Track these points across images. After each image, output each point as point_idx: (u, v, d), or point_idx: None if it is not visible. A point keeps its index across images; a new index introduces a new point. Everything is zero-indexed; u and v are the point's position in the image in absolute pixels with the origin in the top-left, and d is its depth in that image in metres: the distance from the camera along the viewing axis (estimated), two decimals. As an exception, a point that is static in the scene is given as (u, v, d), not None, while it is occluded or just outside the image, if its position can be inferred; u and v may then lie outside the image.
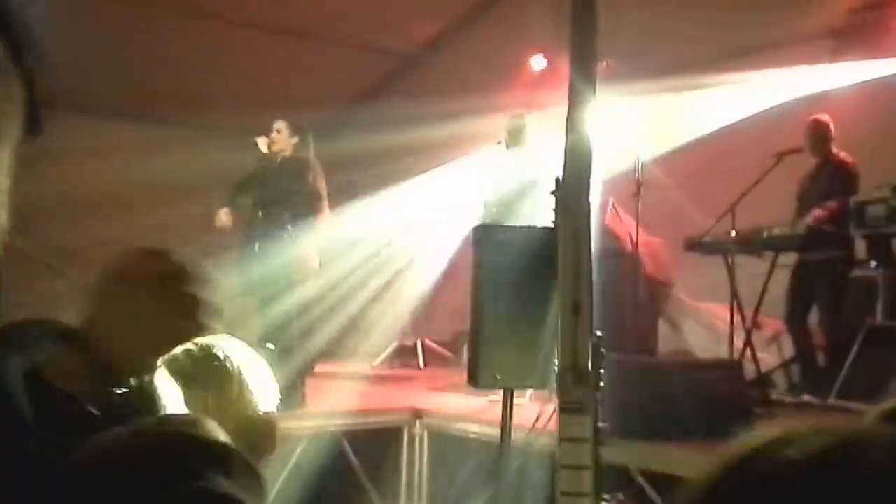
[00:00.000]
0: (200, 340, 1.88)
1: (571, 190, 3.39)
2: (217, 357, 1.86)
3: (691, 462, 4.63)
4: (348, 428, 6.15)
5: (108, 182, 10.68)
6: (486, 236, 4.12)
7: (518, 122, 7.34)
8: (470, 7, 10.93)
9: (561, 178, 3.41)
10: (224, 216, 7.38)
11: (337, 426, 6.09)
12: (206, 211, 8.06)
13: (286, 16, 10.11)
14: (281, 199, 7.16)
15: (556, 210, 3.41)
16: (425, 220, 9.54)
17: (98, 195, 9.90)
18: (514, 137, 7.24)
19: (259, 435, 1.88)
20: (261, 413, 1.88)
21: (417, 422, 6.40)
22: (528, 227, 5.33)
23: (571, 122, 3.39)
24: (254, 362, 1.91)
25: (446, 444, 6.24)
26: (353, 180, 10.95)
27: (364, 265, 9.71)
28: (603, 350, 3.46)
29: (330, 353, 10.02)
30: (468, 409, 6.17)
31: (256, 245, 7.04)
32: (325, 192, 7.85)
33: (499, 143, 7.26)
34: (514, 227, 5.40)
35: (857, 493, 0.65)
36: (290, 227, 7.12)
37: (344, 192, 10.74)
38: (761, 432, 0.74)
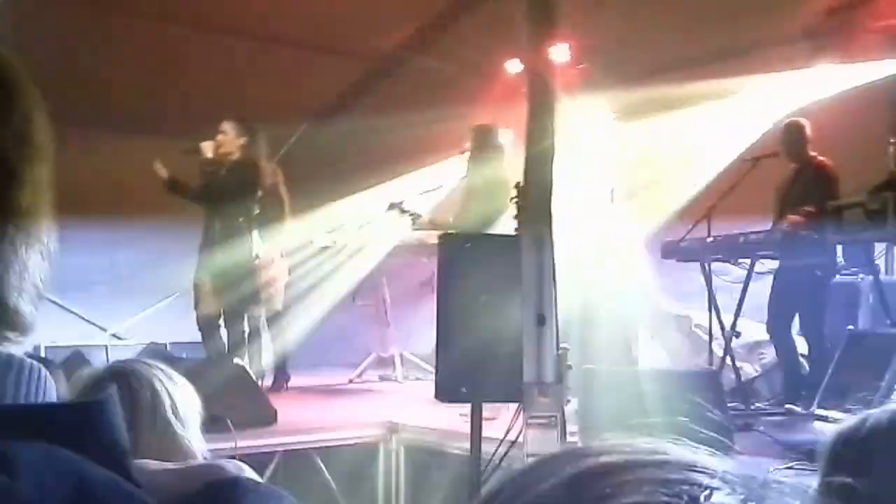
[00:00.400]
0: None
1: (533, 198, 3.29)
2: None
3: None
4: (322, 444, 6.01)
5: (73, 186, 10.55)
6: (450, 246, 4.00)
7: (485, 133, 7.19)
8: (444, 11, 10.87)
9: (522, 186, 3.30)
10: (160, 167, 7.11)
11: (310, 443, 5.95)
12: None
13: (255, 21, 10.00)
14: (235, 205, 6.99)
15: (518, 219, 3.31)
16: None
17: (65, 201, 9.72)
18: (481, 147, 7.09)
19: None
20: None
21: (394, 437, 6.27)
22: (493, 236, 5.22)
23: (532, 130, 3.29)
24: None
25: (424, 459, 6.12)
26: (326, 186, 10.89)
27: (336, 273, 9.63)
28: (570, 363, 3.35)
29: (305, 366, 9.96)
30: (446, 423, 6.03)
31: (217, 257, 6.89)
32: (284, 194, 7.72)
33: (462, 153, 7.13)
34: (479, 236, 5.29)
35: None
36: (248, 234, 6.95)
37: (317, 197, 10.68)
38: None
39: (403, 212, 6.84)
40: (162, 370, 1.86)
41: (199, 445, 1.88)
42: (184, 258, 10.15)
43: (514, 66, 9.80)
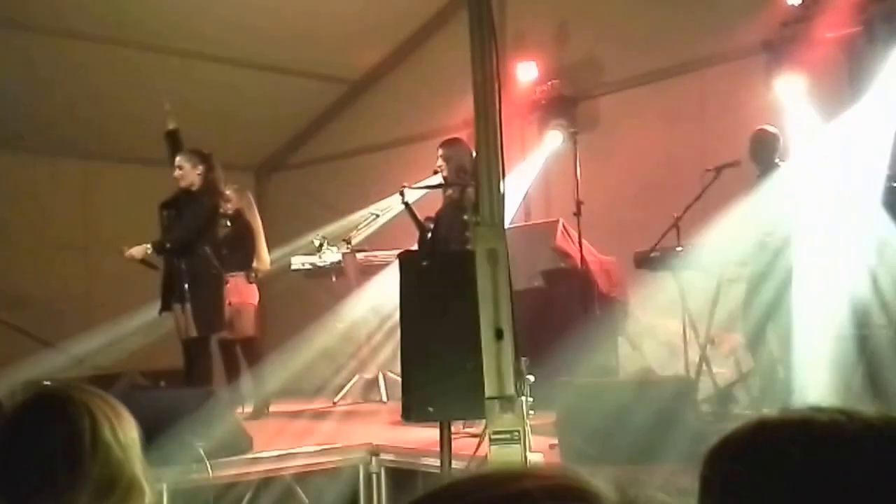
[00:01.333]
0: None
1: (486, 213, 3.30)
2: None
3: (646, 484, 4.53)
4: (300, 470, 5.97)
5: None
6: (407, 264, 4.01)
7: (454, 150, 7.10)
8: (415, 31, 10.94)
9: (475, 202, 3.32)
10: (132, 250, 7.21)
11: (287, 469, 5.91)
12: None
13: (227, 45, 10.04)
14: (178, 245, 7.01)
15: (471, 234, 3.32)
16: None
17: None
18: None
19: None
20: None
21: (374, 458, 6.24)
22: (450, 252, 5.23)
23: (482, 143, 3.30)
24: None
25: (405, 479, 6.09)
26: (305, 209, 10.92)
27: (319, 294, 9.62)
28: (531, 376, 3.35)
29: (288, 390, 9.92)
30: (427, 442, 6.00)
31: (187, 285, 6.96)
32: (252, 218, 7.98)
33: (436, 171, 7.05)
34: (436, 254, 5.30)
35: None
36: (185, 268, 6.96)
37: (299, 219, 10.68)
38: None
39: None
40: (98, 395, 1.83)
41: (142, 473, 1.84)
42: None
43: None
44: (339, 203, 10.76)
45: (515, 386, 3.25)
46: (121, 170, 11.42)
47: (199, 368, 7.12)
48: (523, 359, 3.32)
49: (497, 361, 3.22)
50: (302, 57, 10.61)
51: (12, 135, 9.96)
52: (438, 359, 3.77)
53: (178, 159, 7.12)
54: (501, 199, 3.30)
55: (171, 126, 7.44)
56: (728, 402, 6.63)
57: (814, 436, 0.92)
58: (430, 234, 6.79)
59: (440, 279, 3.85)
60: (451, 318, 3.73)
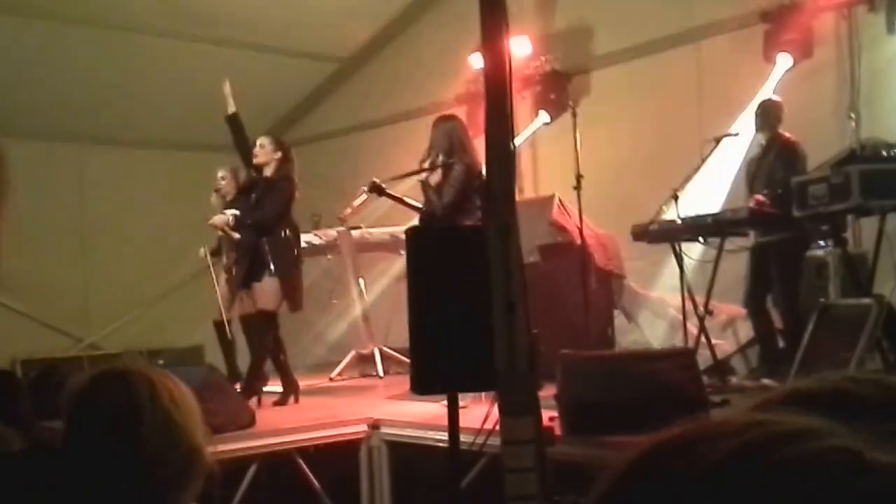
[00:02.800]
0: None
1: (496, 188, 3.30)
2: None
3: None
4: (302, 444, 6.00)
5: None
6: (416, 239, 4.02)
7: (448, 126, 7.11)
8: (406, 9, 10.91)
9: (486, 177, 3.32)
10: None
11: (290, 444, 5.95)
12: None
13: (216, 25, 10.00)
14: (260, 223, 7.22)
15: (482, 209, 3.33)
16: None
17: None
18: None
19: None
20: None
21: (375, 433, 6.28)
22: (460, 227, 5.24)
23: (492, 120, 3.30)
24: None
25: (406, 453, 6.13)
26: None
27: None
28: (542, 348, 3.37)
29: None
30: (427, 416, 6.03)
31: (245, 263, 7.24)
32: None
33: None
34: (446, 228, 5.31)
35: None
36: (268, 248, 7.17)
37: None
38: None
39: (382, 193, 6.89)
40: (159, 370, 1.90)
41: (202, 441, 1.91)
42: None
43: (477, 61, 9.82)
44: (334, 180, 10.75)
45: (527, 359, 3.26)
46: (116, 153, 11.41)
47: (264, 340, 7.28)
48: (535, 331, 3.33)
49: (509, 335, 3.23)
50: (291, 36, 10.58)
51: (7, 119, 9.92)
52: (447, 333, 3.78)
53: (261, 139, 7.31)
54: (512, 173, 3.31)
55: (230, 110, 7.52)
56: (727, 373, 6.67)
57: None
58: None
59: (450, 253, 3.86)
60: (460, 291, 3.74)
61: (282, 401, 7.21)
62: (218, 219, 7.41)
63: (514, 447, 3.17)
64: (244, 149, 7.41)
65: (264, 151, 7.24)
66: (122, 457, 1.73)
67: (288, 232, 7.29)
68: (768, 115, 6.83)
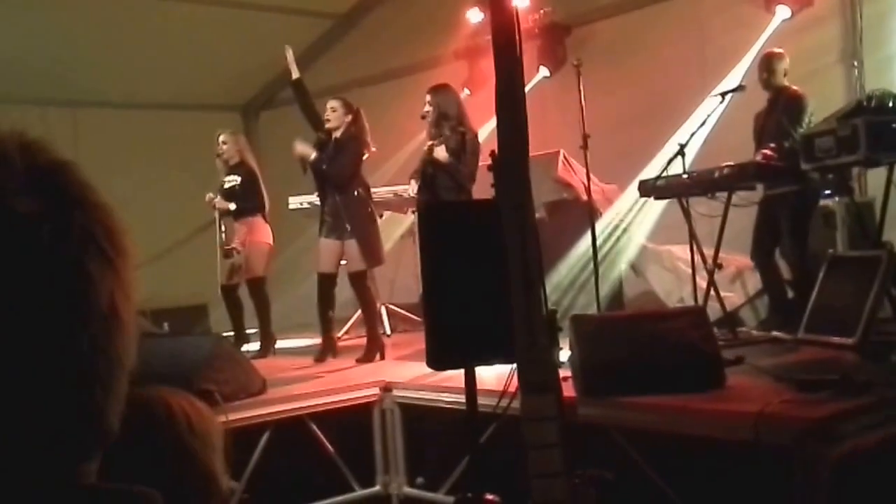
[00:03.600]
0: None
1: (510, 164, 3.26)
2: None
3: (666, 416, 4.59)
4: (315, 410, 6.01)
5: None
6: (430, 216, 4.00)
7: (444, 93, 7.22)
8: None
9: (498, 152, 3.28)
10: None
11: (303, 409, 5.95)
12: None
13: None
14: (336, 180, 7.37)
15: (495, 185, 3.29)
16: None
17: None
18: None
19: None
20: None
21: (387, 395, 6.29)
22: (473, 202, 5.21)
23: (502, 90, 3.25)
24: None
25: (419, 416, 6.15)
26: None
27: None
28: (560, 326, 3.36)
29: (291, 326, 9.95)
30: (438, 378, 6.02)
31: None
32: (255, 165, 8.45)
33: (423, 117, 7.16)
34: (458, 203, 5.29)
35: None
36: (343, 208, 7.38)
37: (291, 157, 10.60)
38: None
39: None
40: (178, 392, 1.84)
41: (220, 468, 1.86)
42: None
43: (475, 16, 9.70)
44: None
45: (546, 334, 3.25)
46: (111, 114, 11.32)
47: (366, 298, 7.57)
48: (553, 307, 3.31)
49: (527, 311, 3.21)
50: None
51: (2, 83, 9.83)
52: (462, 307, 3.77)
53: (332, 102, 7.51)
54: (526, 147, 3.27)
55: (294, 75, 7.78)
56: (736, 325, 6.67)
57: None
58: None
59: (463, 228, 3.83)
60: (474, 264, 3.72)
61: (366, 358, 7.41)
62: (301, 148, 7.52)
63: (536, 424, 3.16)
64: (310, 112, 7.63)
65: (336, 115, 7.42)
66: (137, 484, 1.70)
67: (360, 190, 7.47)
68: (771, 68, 6.76)
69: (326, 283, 7.56)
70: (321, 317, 7.66)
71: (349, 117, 7.44)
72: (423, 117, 7.18)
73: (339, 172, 7.35)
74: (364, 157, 7.52)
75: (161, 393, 1.73)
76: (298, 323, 10.30)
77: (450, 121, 7.04)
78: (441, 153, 6.86)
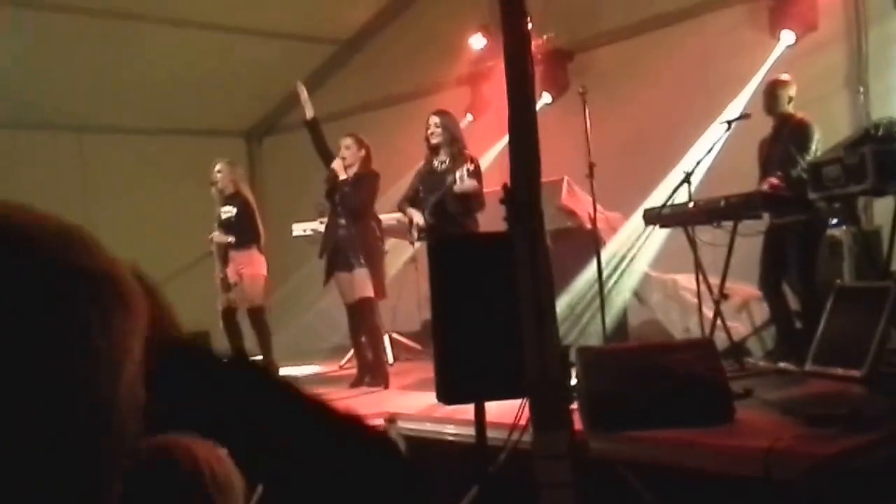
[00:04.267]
0: None
1: (522, 195, 3.24)
2: None
3: (674, 451, 4.53)
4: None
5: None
6: (441, 248, 3.97)
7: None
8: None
9: (510, 184, 3.25)
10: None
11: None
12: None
13: (215, 11, 9.90)
14: (354, 212, 7.50)
15: (508, 217, 3.26)
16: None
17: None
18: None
19: None
20: None
21: (391, 426, 6.22)
22: (484, 235, 5.19)
23: (516, 123, 3.23)
24: None
25: (424, 449, 6.07)
26: (300, 173, 10.81)
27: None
28: (572, 360, 3.32)
29: (293, 354, 9.91)
30: (443, 409, 5.95)
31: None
32: (251, 195, 8.56)
33: (427, 139, 7.23)
34: (470, 235, 5.27)
35: None
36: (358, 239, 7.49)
37: (294, 184, 10.59)
38: None
39: None
40: (201, 442, 1.81)
41: None
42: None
43: (478, 42, 9.71)
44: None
45: (558, 369, 3.22)
46: (117, 139, 11.33)
47: (372, 326, 7.64)
48: (566, 344, 3.27)
49: (539, 344, 3.18)
50: (290, 19, 10.46)
51: (8, 109, 9.84)
52: (473, 340, 3.73)
53: (346, 140, 7.60)
54: (538, 177, 3.24)
55: (309, 115, 7.86)
56: (743, 355, 6.62)
57: None
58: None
59: (474, 261, 3.81)
60: (486, 299, 3.69)
61: (374, 383, 7.51)
62: (337, 164, 7.60)
63: (548, 462, 3.12)
64: (324, 151, 7.71)
65: (351, 152, 7.54)
66: None
67: (374, 223, 7.67)
68: (776, 96, 6.73)
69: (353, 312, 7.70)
70: (356, 344, 7.85)
71: (363, 152, 7.56)
72: (428, 139, 7.21)
73: (361, 201, 7.50)
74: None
75: (185, 442, 1.70)
76: (304, 350, 10.28)
77: (458, 143, 7.19)
78: (467, 184, 6.90)
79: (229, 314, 8.37)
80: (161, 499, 1.63)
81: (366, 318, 7.59)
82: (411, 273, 9.35)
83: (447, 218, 7.02)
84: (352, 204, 7.48)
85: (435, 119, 7.25)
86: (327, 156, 7.65)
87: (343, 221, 7.54)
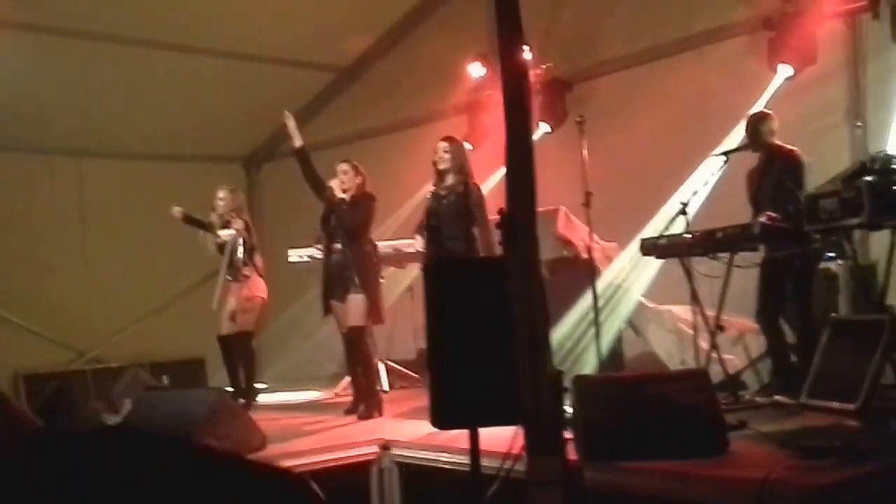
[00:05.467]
0: None
1: (518, 221, 3.24)
2: None
3: (668, 482, 4.53)
4: (313, 467, 5.93)
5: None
6: (436, 273, 3.98)
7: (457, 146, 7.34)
8: (403, 18, 10.86)
9: (506, 210, 3.26)
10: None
11: (300, 467, 5.86)
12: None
13: (214, 37, 9.95)
14: (350, 237, 7.50)
15: (503, 243, 3.27)
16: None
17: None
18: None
19: None
20: None
21: (385, 454, 6.21)
22: (479, 260, 5.19)
23: (513, 151, 3.24)
24: None
25: (418, 476, 6.06)
26: (298, 200, 10.83)
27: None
28: (566, 386, 3.31)
29: (288, 380, 9.90)
30: (437, 437, 5.94)
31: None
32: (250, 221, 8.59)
33: (435, 163, 7.25)
34: (465, 261, 5.28)
35: None
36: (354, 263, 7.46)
37: (292, 210, 10.60)
38: None
39: None
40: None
41: None
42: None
43: (476, 70, 9.76)
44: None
45: (552, 397, 3.21)
46: (116, 165, 11.37)
47: (365, 354, 7.62)
48: (559, 369, 3.27)
49: (533, 371, 3.17)
50: (289, 46, 10.53)
51: (9, 133, 9.88)
52: (469, 366, 3.73)
53: (343, 166, 7.61)
54: (534, 205, 3.25)
55: (297, 143, 7.83)
56: (738, 388, 6.62)
57: None
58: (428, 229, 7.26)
59: (469, 287, 3.81)
60: (480, 324, 3.69)
61: (366, 414, 7.45)
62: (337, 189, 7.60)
63: (541, 489, 3.11)
64: (313, 179, 7.68)
65: (348, 177, 7.54)
66: None
67: (370, 247, 7.64)
68: (757, 131, 6.75)
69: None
70: (352, 372, 7.86)
71: (359, 179, 7.57)
72: (435, 163, 7.24)
73: (358, 221, 7.50)
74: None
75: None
76: (302, 377, 10.29)
77: (464, 171, 7.23)
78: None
79: (227, 340, 8.37)
80: None
81: (357, 347, 7.56)
82: (407, 302, 9.36)
83: (441, 243, 7.11)
84: (349, 223, 7.48)
85: (444, 145, 7.28)
86: (318, 184, 7.65)
87: (339, 245, 7.53)
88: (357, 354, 7.61)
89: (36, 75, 9.40)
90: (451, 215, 7.11)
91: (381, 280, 8.10)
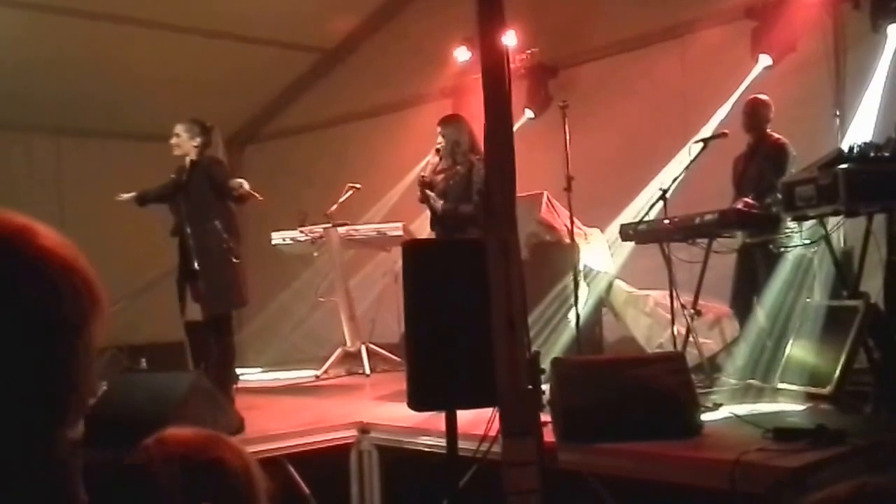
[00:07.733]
0: None
1: (498, 202, 3.29)
2: None
3: (644, 463, 4.59)
4: (292, 450, 5.95)
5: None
6: (414, 253, 4.01)
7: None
8: (390, 0, 10.85)
9: (485, 190, 3.30)
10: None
11: (280, 450, 5.89)
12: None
13: (196, 15, 9.91)
14: (204, 207, 6.86)
15: (483, 224, 3.31)
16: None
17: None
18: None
19: None
20: None
21: (365, 437, 6.23)
22: (458, 241, 5.22)
23: (492, 134, 3.28)
24: None
25: (397, 459, 6.09)
26: (282, 181, 10.84)
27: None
28: (543, 367, 3.37)
29: (271, 363, 9.90)
30: (417, 420, 5.97)
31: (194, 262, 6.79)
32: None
33: (437, 150, 7.18)
34: (444, 242, 5.31)
35: None
36: (225, 236, 6.82)
37: (276, 192, 10.58)
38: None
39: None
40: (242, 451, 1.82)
41: None
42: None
43: (462, 54, 9.78)
44: (317, 174, 10.70)
45: (529, 377, 3.26)
46: (93, 144, 11.30)
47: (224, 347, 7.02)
48: (535, 349, 3.32)
49: (509, 353, 3.22)
50: (273, 26, 10.49)
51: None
52: (445, 347, 3.77)
53: (176, 127, 7.04)
54: (513, 187, 3.29)
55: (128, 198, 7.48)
56: (714, 371, 6.70)
57: None
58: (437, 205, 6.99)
59: (448, 268, 3.84)
60: (458, 305, 3.73)
61: None
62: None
63: (516, 469, 3.16)
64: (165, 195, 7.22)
65: (181, 140, 7.00)
66: None
67: (218, 224, 6.94)
68: (756, 115, 6.83)
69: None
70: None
71: (197, 140, 7.01)
72: (438, 151, 7.15)
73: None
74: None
75: (237, 450, 1.70)
76: (289, 359, 10.30)
77: (461, 148, 7.03)
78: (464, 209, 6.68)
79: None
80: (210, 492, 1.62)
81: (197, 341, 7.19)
82: (391, 285, 9.38)
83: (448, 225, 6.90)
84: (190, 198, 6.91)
85: (438, 128, 7.18)
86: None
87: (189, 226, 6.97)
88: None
89: (14, 52, 9.33)
90: (458, 195, 6.85)
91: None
